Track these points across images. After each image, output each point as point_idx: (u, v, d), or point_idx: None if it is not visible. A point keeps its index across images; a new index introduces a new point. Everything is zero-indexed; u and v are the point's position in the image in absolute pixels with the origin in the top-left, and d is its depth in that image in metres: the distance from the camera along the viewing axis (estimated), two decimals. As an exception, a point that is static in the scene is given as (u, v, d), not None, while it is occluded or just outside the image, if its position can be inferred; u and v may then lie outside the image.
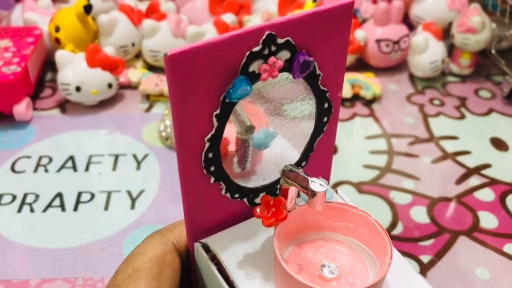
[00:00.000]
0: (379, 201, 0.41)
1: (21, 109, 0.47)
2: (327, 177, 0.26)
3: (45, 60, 0.54)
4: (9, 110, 0.47)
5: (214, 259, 0.23)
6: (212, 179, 0.22)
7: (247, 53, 0.19)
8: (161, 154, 0.45)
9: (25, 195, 0.41)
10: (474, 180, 0.44)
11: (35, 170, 0.44)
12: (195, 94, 0.19)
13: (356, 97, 0.53)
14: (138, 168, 0.44)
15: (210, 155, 0.21)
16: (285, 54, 0.20)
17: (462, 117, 0.52)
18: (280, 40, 0.20)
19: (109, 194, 0.41)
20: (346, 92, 0.52)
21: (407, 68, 0.58)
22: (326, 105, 0.23)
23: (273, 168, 0.23)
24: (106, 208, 0.40)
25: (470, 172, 0.45)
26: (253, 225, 0.24)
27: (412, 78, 0.57)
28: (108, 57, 0.49)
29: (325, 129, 0.24)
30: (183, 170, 0.21)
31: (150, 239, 0.24)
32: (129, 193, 0.41)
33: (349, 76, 0.55)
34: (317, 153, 0.25)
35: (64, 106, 0.51)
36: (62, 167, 0.44)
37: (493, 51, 0.57)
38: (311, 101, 0.23)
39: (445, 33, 0.58)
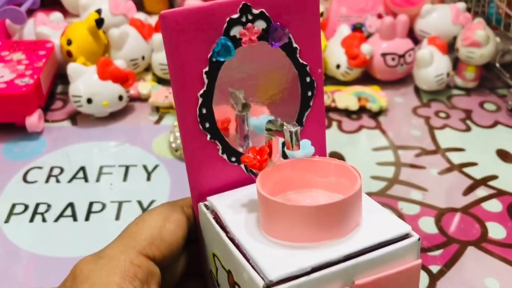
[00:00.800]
0: (388, 212, 0.42)
1: (33, 120, 0.48)
2: (322, 154, 0.28)
3: (56, 72, 0.55)
4: (22, 122, 0.48)
5: (213, 213, 0.25)
6: (208, 136, 0.25)
7: (228, 19, 0.23)
8: (171, 165, 0.46)
9: (37, 205, 0.42)
10: (481, 191, 0.44)
11: (47, 181, 0.44)
12: (186, 51, 0.23)
13: (362, 110, 0.54)
14: (148, 179, 0.45)
15: (204, 110, 0.24)
16: (261, 24, 0.24)
17: (468, 129, 0.52)
18: (255, 11, 0.23)
19: (120, 204, 0.42)
20: (353, 104, 0.53)
21: (413, 81, 0.58)
22: (308, 79, 0.26)
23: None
24: (117, 218, 0.40)
25: (477, 183, 0.45)
26: (253, 190, 0.25)
27: (418, 91, 0.58)
28: (119, 70, 0.50)
29: (311, 104, 0.26)
30: (183, 125, 0.24)
31: (161, 204, 0.27)
32: (139, 203, 0.42)
33: (355, 89, 0.55)
34: (308, 129, 0.27)
35: (75, 118, 0.52)
36: (74, 177, 0.45)
37: (497, 65, 0.58)
38: (294, 76, 0.26)
39: (449, 47, 0.58)
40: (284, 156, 0.25)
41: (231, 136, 0.25)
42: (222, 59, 0.23)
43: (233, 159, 0.26)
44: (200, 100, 0.24)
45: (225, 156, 0.25)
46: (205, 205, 0.26)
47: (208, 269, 0.27)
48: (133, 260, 0.24)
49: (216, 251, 0.25)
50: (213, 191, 0.26)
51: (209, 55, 0.23)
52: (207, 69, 0.23)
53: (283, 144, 0.24)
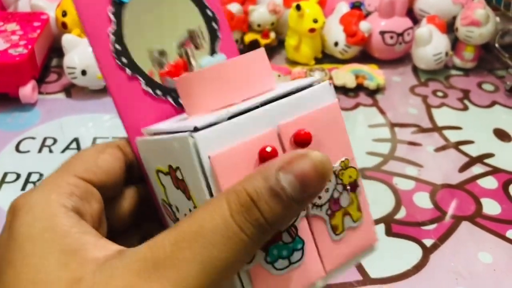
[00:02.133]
0: (383, 187, 0.42)
1: (27, 91, 0.47)
2: None
3: (51, 45, 0.55)
4: (15, 93, 0.48)
5: (149, 135, 0.25)
6: (129, 71, 0.25)
7: None
8: (165, 138, 0.46)
9: (29, 174, 0.41)
10: (477, 169, 0.44)
11: (40, 151, 0.44)
12: None
13: (360, 87, 0.53)
14: (142, 150, 0.44)
15: (118, 46, 0.25)
16: None
17: (466, 108, 0.52)
18: None
19: (113, 174, 0.41)
20: (350, 82, 0.53)
21: (411, 61, 0.58)
22: (209, 13, 0.27)
23: None
24: (110, 187, 0.40)
25: (473, 161, 0.45)
26: (182, 117, 0.27)
27: (416, 70, 0.58)
28: (114, 42, 0.49)
29: (218, 34, 0.28)
30: (101, 64, 0.25)
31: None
32: (133, 174, 0.42)
33: (353, 67, 0.55)
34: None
35: (69, 90, 0.51)
36: (67, 148, 0.44)
37: (496, 45, 0.57)
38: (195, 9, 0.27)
39: (449, 28, 0.58)
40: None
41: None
42: (125, 1, 0.25)
43: (159, 92, 0.27)
44: (113, 37, 0.25)
45: (149, 90, 0.26)
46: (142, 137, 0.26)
47: (160, 200, 0.27)
48: (69, 181, 0.23)
49: (157, 165, 0.25)
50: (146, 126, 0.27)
51: None
52: (112, 9, 0.25)
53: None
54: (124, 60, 0.25)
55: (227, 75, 0.23)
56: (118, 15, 0.25)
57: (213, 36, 0.28)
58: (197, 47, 0.26)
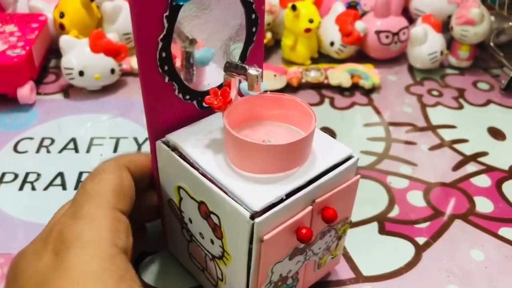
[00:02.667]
0: (376, 185, 0.42)
1: (25, 92, 0.48)
2: None
3: (49, 46, 0.55)
4: (13, 93, 0.48)
5: (175, 150, 0.27)
6: (166, 78, 0.26)
7: None
8: (161, 138, 0.46)
9: (27, 174, 0.42)
10: (470, 167, 0.44)
11: (37, 151, 0.44)
12: None
13: (355, 87, 0.54)
14: (138, 149, 0.45)
15: (164, 54, 0.25)
16: None
17: (460, 107, 0.52)
18: None
19: (109, 174, 0.42)
20: (346, 81, 0.53)
21: (406, 60, 0.58)
22: (253, 16, 0.28)
23: (216, 75, 0.28)
24: (106, 187, 0.41)
25: (467, 159, 0.45)
26: (204, 123, 0.29)
27: (411, 70, 0.58)
28: (112, 43, 0.50)
29: (254, 39, 0.29)
30: (143, 69, 0.25)
31: (106, 162, 0.29)
32: (129, 173, 0.42)
33: (348, 66, 0.55)
34: (250, 62, 0.29)
35: (67, 91, 0.52)
36: (64, 148, 0.45)
37: (491, 44, 0.58)
38: (240, 13, 0.27)
39: (444, 27, 0.58)
40: (240, 93, 0.27)
41: (177, 71, 0.27)
42: (181, 3, 0.25)
43: (187, 97, 0.28)
44: (160, 44, 0.25)
45: (180, 96, 0.27)
46: (164, 142, 0.28)
47: (167, 198, 0.30)
48: (114, 215, 0.25)
49: (182, 184, 0.27)
50: (169, 128, 0.28)
51: (169, 0, 0.24)
52: (167, 13, 0.24)
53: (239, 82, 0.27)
54: (166, 67, 0.26)
55: (281, 153, 0.25)
56: (171, 19, 0.25)
57: (249, 40, 0.29)
58: (250, 89, 0.26)
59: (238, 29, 0.28)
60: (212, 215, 0.26)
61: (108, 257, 0.23)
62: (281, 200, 0.24)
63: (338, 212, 0.27)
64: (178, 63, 0.27)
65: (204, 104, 0.27)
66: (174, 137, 0.27)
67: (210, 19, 0.26)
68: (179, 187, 0.27)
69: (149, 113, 0.27)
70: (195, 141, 0.27)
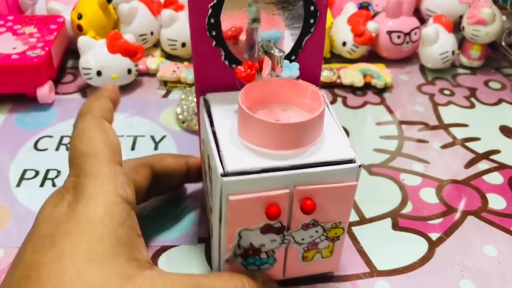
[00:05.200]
0: (389, 182, 0.43)
1: (44, 91, 0.49)
2: (317, 78, 0.32)
3: (67, 47, 0.56)
4: (33, 93, 0.49)
5: (207, 108, 0.30)
6: (214, 43, 0.29)
7: None
8: (177, 136, 0.47)
9: (47, 171, 0.43)
10: (483, 165, 0.45)
11: (57, 149, 0.45)
12: None
13: (367, 86, 0.54)
14: (155, 148, 0.46)
15: (212, 20, 0.28)
16: None
17: (472, 106, 0.53)
18: None
19: (127, 171, 0.43)
20: (358, 80, 0.54)
21: (418, 60, 0.59)
22: (312, 8, 0.29)
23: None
24: (125, 183, 0.42)
25: (479, 157, 0.46)
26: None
27: (423, 69, 0.58)
28: (128, 44, 0.51)
29: (312, 30, 0.30)
30: (193, 32, 0.28)
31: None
32: (147, 170, 0.43)
33: (360, 66, 0.56)
34: (307, 53, 0.30)
35: (84, 91, 0.53)
36: (83, 146, 0.46)
37: (503, 44, 0.58)
38: (300, 3, 0.29)
39: (455, 27, 0.59)
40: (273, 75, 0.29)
41: (240, 43, 0.30)
42: None
43: (233, 65, 0.30)
44: (210, 10, 0.28)
45: (226, 62, 0.30)
46: (204, 99, 0.31)
47: (205, 159, 0.32)
48: (114, 169, 0.27)
49: (204, 137, 0.30)
50: (213, 89, 0.31)
51: None
52: None
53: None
54: (213, 33, 0.29)
55: (286, 132, 0.26)
56: None
57: (306, 31, 0.30)
58: (272, 69, 0.28)
59: (296, 17, 0.30)
60: (209, 170, 0.29)
61: (110, 204, 0.25)
62: (255, 172, 0.26)
63: (326, 212, 0.28)
64: (243, 37, 0.29)
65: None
66: (212, 97, 0.31)
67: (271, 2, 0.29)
68: (203, 140, 0.31)
69: (197, 72, 0.30)
70: (226, 105, 0.30)
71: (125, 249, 0.25)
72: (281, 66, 0.27)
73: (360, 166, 0.27)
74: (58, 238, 0.24)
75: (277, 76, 0.29)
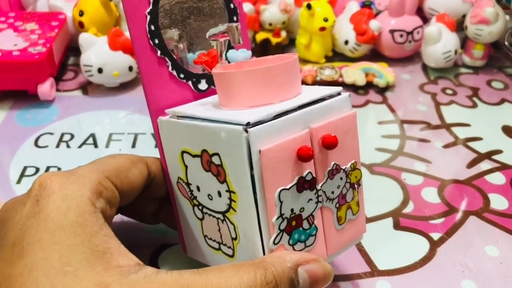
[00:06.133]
0: (391, 182, 0.42)
1: (45, 88, 0.49)
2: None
3: (68, 44, 0.56)
4: (34, 90, 0.49)
5: (175, 117, 0.28)
6: (159, 52, 0.28)
7: None
8: (178, 134, 0.47)
9: (48, 168, 0.43)
10: (485, 165, 0.45)
11: (57, 146, 0.45)
12: None
13: (369, 85, 0.54)
14: (156, 146, 0.45)
15: (153, 27, 0.28)
16: None
17: (474, 106, 0.53)
18: None
19: (128, 169, 0.43)
20: (360, 79, 0.53)
21: (420, 59, 0.59)
22: (231, 6, 0.30)
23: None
24: (125, 181, 0.41)
25: (481, 157, 0.46)
26: (202, 102, 0.30)
27: (425, 68, 0.58)
28: (130, 41, 0.51)
29: (235, 19, 0.31)
30: (136, 44, 0.28)
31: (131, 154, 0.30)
32: (147, 168, 0.43)
33: (362, 65, 0.56)
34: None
35: (86, 88, 0.53)
36: (83, 143, 0.46)
37: (506, 43, 0.58)
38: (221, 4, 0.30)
39: (458, 26, 0.58)
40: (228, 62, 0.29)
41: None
42: None
43: (182, 75, 0.30)
44: (148, 17, 0.27)
45: (174, 72, 0.29)
46: (164, 117, 0.29)
47: (175, 179, 0.30)
48: (101, 181, 0.26)
49: (184, 147, 0.28)
50: (168, 107, 0.29)
51: None
52: None
53: (227, 50, 0.29)
54: (156, 41, 0.28)
55: (270, 77, 0.26)
56: None
57: (230, 19, 0.31)
58: (234, 43, 0.28)
59: (221, 17, 0.31)
60: (213, 159, 0.26)
61: (83, 212, 0.23)
62: (273, 117, 0.25)
63: (343, 152, 0.28)
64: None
65: (199, 87, 0.30)
66: (174, 110, 0.29)
67: (193, 5, 0.29)
68: (183, 153, 0.28)
69: (148, 90, 0.29)
70: (194, 107, 0.29)
71: (102, 258, 0.23)
72: (241, 36, 0.28)
73: (349, 95, 0.29)
74: (27, 247, 0.22)
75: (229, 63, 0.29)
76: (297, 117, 0.26)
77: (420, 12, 0.62)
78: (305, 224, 0.28)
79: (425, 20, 0.62)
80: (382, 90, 0.54)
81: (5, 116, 0.48)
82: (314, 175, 0.27)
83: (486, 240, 0.37)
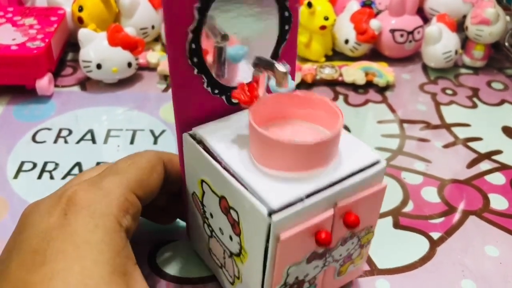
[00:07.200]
0: (391, 181, 0.42)
1: (43, 83, 0.49)
2: (292, 78, 0.29)
3: (67, 40, 0.56)
4: (32, 85, 0.49)
5: (200, 143, 0.27)
6: (196, 71, 0.26)
7: None
8: (177, 131, 0.47)
9: (45, 164, 0.42)
10: (485, 165, 0.44)
11: (55, 141, 0.45)
12: None
13: (369, 85, 0.54)
14: (155, 142, 0.45)
15: (193, 46, 0.25)
16: None
17: (474, 106, 0.53)
18: None
19: (126, 165, 0.42)
20: (360, 79, 0.53)
21: (421, 59, 0.58)
22: (286, 14, 0.27)
23: (247, 72, 0.27)
24: (123, 177, 0.41)
25: (481, 157, 0.45)
26: (231, 119, 0.28)
27: (425, 68, 0.58)
28: (129, 37, 0.50)
29: (287, 37, 0.28)
30: (172, 60, 0.25)
31: (148, 151, 0.30)
32: (146, 165, 0.42)
33: (362, 64, 0.56)
34: (281, 59, 0.28)
35: (84, 83, 0.53)
36: (81, 139, 0.45)
37: (506, 44, 0.58)
38: (274, 10, 0.27)
39: (459, 26, 0.58)
40: (268, 90, 0.26)
41: (208, 65, 0.26)
42: None
43: (216, 91, 0.27)
44: (190, 35, 0.24)
45: (209, 89, 0.27)
46: (190, 135, 0.27)
47: (191, 192, 0.30)
48: (128, 197, 0.26)
49: (205, 178, 0.27)
50: (196, 121, 0.27)
51: None
52: (198, 5, 0.24)
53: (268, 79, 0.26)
54: (195, 59, 0.25)
55: (312, 152, 0.24)
56: (203, 10, 0.24)
57: (282, 39, 0.28)
58: (276, 85, 0.25)
59: (271, 26, 0.27)
60: (231, 211, 0.26)
61: (110, 231, 0.24)
62: (301, 200, 0.24)
63: (362, 219, 0.27)
64: (210, 58, 0.26)
65: (232, 100, 0.27)
66: (200, 130, 0.27)
67: (241, 14, 0.26)
68: (202, 181, 0.28)
69: (177, 105, 0.27)
70: (221, 136, 0.27)
71: (122, 279, 0.23)
72: (287, 81, 0.25)
73: (386, 164, 0.27)
74: (50, 256, 0.22)
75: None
76: (325, 197, 0.24)
77: (420, 12, 0.61)
78: (306, 285, 0.28)
79: (426, 20, 0.61)
80: (382, 90, 0.54)
81: (3, 111, 0.48)
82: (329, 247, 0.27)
83: (485, 240, 0.37)
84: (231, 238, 0.27)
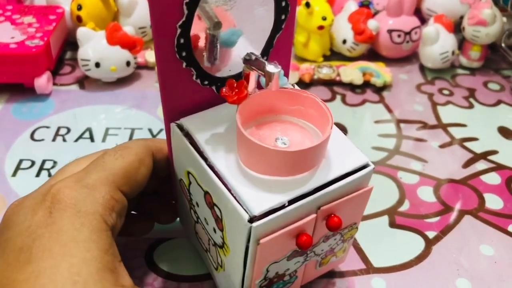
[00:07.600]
0: (387, 180, 0.42)
1: (42, 82, 0.49)
2: (286, 72, 0.29)
3: (65, 38, 0.56)
4: (30, 83, 0.49)
5: (187, 136, 0.26)
6: (184, 64, 0.25)
7: None
8: (175, 130, 0.47)
9: (44, 161, 0.42)
10: (480, 165, 0.45)
11: (54, 139, 0.45)
12: None
13: (367, 85, 0.54)
14: (153, 141, 0.45)
15: (182, 40, 0.24)
16: None
17: (471, 106, 0.53)
18: None
19: (124, 163, 0.42)
20: (357, 78, 0.54)
21: (418, 59, 0.59)
22: (283, 4, 0.26)
23: (238, 60, 0.26)
24: (121, 175, 0.41)
25: (477, 157, 0.46)
26: (220, 110, 0.28)
27: (423, 69, 0.58)
28: (128, 36, 0.51)
29: (283, 26, 0.27)
30: (159, 55, 0.24)
31: (135, 141, 0.29)
32: (144, 163, 0.43)
33: (360, 64, 0.56)
34: (276, 50, 0.28)
35: (82, 82, 0.53)
36: (80, 137, 0.45)
37: (503, 45, 0.58)
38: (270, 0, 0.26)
39: (456, 27, 0.59)
40: (259, 86, 0.26)
41: (199, 52, 0.25)
42: None
43: (206, 82, 0.27)
44: (179, 30, 0.24)
45: (198, 81, 0.26)
46: (178, 126, 0.27)
47: (178, 178, 0.30)
48: (114, 195, 0.26)
49: (191, 170, 0.27)
50: (184, 111, 0.27)
51: None
52: (187, 0, 0.23)
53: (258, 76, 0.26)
54: (184, 53, 0.25)
55: (298, 159, 0.24)
56: (192, 6, 0.23)
57: (277, 28, 0.27)
58: (265, 86, 0.25)
59: (266, 15, 0.26)
60: (215, 207, 0.26)
61: (96, 230, 0.24)
62: (283, 206, 0.23)
63: (346, 219, 0.27)
64: (201, 43, 0.25)
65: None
66: (188, 122, 0.27)
67: (236, 2, 0.25)
68: (189, 172, 0.27)
69: (164, 96, 0.26)
70: (209, 129, 0.26)
71: (111, 275, 0.23)
72: (278, 83, 0.24)
73: (373, 168, 0.26)
74: (36, 254, 0.22)
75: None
76: (308, 202, 0.24)
77: (418, 12, 0.62)
78: (287, 277, 0.28)
79: (423, 20, 0.62)
80: (379, 90, 0.54)
81: (1, 109, 0.48)
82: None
83: (481, 239, 0.38)
84: (215, 230, 0.27)
